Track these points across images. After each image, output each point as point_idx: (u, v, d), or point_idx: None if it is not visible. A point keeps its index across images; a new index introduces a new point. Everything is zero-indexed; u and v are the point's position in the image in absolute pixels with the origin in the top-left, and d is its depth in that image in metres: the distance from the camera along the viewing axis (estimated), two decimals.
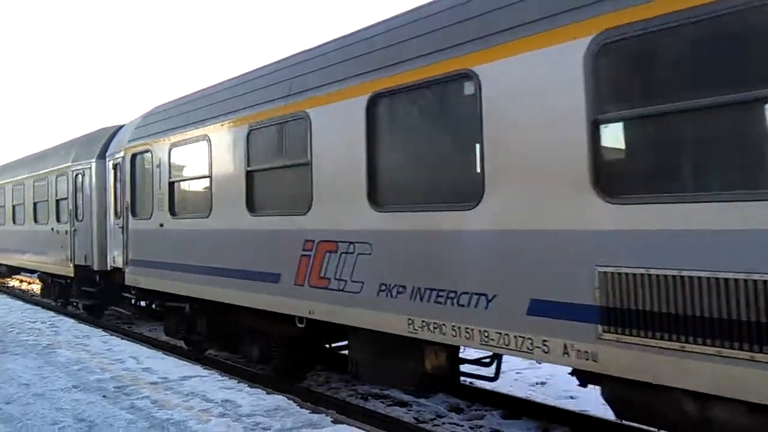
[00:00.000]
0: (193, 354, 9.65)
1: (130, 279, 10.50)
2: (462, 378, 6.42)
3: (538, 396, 7.61)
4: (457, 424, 6.81)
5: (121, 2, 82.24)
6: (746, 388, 3.39)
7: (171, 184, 9.27)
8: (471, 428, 6.69)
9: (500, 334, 4.64)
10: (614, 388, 4.21)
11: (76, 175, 13.16)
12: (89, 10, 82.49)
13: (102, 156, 12.28)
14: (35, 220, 15.86)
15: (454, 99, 5.25)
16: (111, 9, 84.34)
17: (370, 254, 5.81)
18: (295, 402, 6.44)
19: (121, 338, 10.71)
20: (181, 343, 10.33)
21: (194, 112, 8.83)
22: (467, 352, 6.23)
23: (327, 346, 7.87)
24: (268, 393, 6.80)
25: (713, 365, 3.50)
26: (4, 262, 19.34)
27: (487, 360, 5.84)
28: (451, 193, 5.21)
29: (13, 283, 23.19)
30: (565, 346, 4.19)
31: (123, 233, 10.75)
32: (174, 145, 9.18)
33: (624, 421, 4.58)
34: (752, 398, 3.40)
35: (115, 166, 11.35)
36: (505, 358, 5.66)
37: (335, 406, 7.04)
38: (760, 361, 3.33)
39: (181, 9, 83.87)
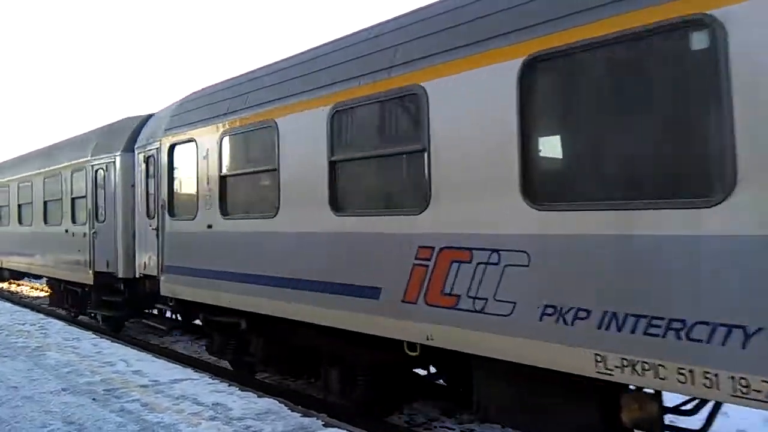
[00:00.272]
0: (240, 375, 8.26)
1: (166, 289, 9.08)
2: None
3: None
4: (450, 428, 6.62)
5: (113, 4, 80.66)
6: None
7: (222, 179, 7.88)
8: None
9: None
10: None
11: (97, 170, 11.71)
12: (89, 11, 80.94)
13: (129, 148, 10.85)
14: (45, 221, 14.37)
15: None
16: (110, 9, 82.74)
17: (526, 266, 4.44)
18: (286, 405, 6.38)
19: (111, 341, 10.45)
20: (226, 364, 8.94)
21: (255, 93, 7.45)
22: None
23: (440, 381, 6.55)
24: (259, 396, 6.74)
25: None
26: (8, 267, 17.82)
27: (690, 407, 4.46)
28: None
29: (1, 285, 21.81)
30: None
31: (157, 236, 9.35)
32: (227, 132, 7.79)
33: None
34: None
35: (146, 159, 9.93)
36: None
37: (326, 410, 6.77)
38: None
39: (185, 7, 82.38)
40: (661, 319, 3.69)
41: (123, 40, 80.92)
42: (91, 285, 11.88)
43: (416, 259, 5.27)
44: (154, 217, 9.58)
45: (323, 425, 5.72)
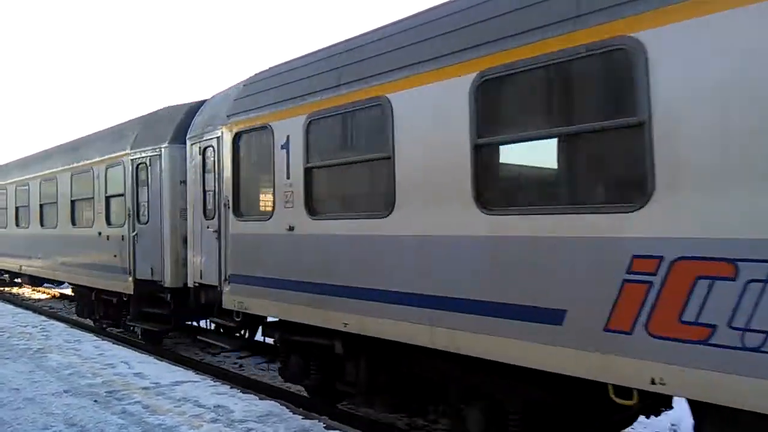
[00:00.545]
0: (323, 404, 6.91)
1: (230, 301, 7.71)
2: None
3: None
4: (451, 431, 6.16)
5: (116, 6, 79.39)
6: None
7: (309, 172, 6.52)
8: None
9: None
10: None
11: (138, 164, 10.34)
12: (89, 11, 79.72)
13: (177, 139, 9.49)
14: (73, 222, 13.03)
15: None
16: (110, 9, 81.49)
17: None
18: (287, 408, 6.37)
19: (113, 343, 10.35)
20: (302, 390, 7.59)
21: (355, 66, 6.06)
22: None
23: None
24: (260, 398, 6.73)
25: None
26: (27, 273, 16.49)
27: None
28: None
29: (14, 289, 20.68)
30: None
31: (219, 239, 7.99)
32: (315, 115, 6.42)
33: None
34: None
35: (202, 151, 8.56)
36: None
37: (328, 413, 6.71)
38: None
39: (191, 8, 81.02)
40: None
41: (122, 41, 79.78)
42: (130, 294, 10.50)
43: (629, 272, 3.86)
44: (213, 218, 8.22)
45: (325, 428, 5.76)
